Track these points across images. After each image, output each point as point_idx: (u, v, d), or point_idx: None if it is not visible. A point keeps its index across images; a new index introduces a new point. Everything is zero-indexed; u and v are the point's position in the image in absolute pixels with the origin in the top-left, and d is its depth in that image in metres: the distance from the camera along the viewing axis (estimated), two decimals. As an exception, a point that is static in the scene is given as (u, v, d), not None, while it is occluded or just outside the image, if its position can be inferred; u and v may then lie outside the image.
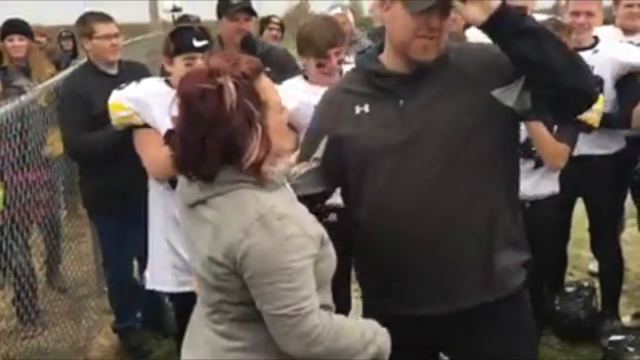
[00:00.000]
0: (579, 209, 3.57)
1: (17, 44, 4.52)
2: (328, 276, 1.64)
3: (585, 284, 3.66)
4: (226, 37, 3.63)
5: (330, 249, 1.63)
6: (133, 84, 2.81)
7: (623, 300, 3.70)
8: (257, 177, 1.53)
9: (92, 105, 3.24)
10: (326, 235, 1.61)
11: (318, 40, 2.69)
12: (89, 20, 3.46)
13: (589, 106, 1.81)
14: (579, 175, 3.16)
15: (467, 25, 3.18)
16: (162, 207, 2.75)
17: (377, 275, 1.92)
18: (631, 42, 3.44)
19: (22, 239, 3.44)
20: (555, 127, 2.86)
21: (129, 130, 2.80)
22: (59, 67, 5.69)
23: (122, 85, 2.83)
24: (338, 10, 4.60)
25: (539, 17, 2.97)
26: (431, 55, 1.78)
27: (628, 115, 3.19)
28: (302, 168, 1.92)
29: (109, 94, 2.83)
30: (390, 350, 1.68)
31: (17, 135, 3.13)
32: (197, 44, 2.64)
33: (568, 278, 3.92)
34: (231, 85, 1.47)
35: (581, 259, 4.36)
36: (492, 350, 1.89)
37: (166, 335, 3.65)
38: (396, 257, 1.82)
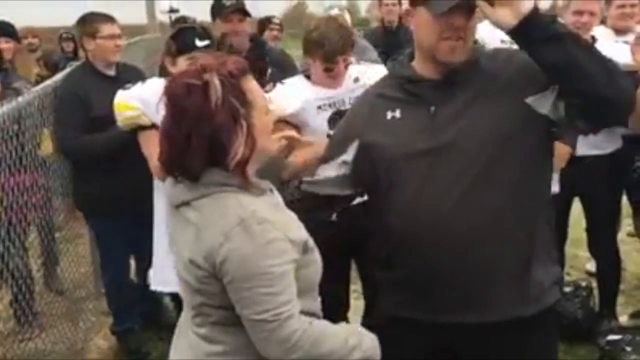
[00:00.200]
0: (576, 208, 3.57)
1: (3, 46, 4.51)
2: (314, 282, 1.62)
3: (583, 283, 3.66)
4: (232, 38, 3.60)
5: (316, 255, 1.61)
6: (139, 84, 2.79)
7: (620, 300, 3.70)
8: (243, 179, 1.52)
9: (91, 106, 3.24)
10: (311, 242, 1.59)
11: (329, 48, 2.65)
12: (92, 20, 3.44)
13: (624, 115, 1.74)
14: (575, 176, 3.17)
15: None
16: None
17: (406, 282, 1.87)
18: (626, 42, 3.45)
19: (20, 241, 3.43)
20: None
21: (130, 132, 2.79)
22: (57, 69, 5.69)
23: (128, 85, 2.82)
24: (335, 11, 4.59)
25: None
26: (459, 56, 1.75)
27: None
28: (331, 171, 1.92)
29: (107, 95, 2.82)
30: (379, 356, 1.64)
31: (14, 137, 3.12)
32: (199, 43, 2.64)
33: (565, 278, 3.89)
34: (217, 82, 1.48)
35: (579, 259, 4.37)
36: None
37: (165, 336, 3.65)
38: (426, 264, 1.78)
